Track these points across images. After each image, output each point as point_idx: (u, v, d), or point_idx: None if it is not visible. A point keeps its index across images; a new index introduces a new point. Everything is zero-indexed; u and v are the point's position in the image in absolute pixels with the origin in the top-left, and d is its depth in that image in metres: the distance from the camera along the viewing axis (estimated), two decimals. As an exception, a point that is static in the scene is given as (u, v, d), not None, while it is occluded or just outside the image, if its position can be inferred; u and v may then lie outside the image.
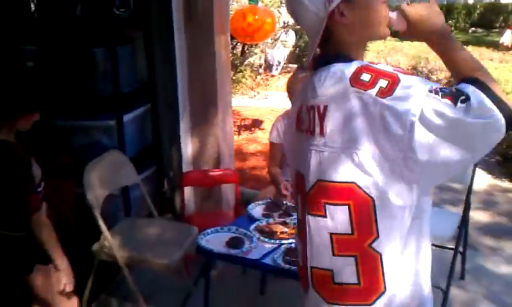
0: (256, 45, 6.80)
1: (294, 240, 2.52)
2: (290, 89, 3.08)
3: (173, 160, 4.09)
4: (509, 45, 11.61)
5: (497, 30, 19.43)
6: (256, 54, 7.07)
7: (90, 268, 2.91)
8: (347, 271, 1.28)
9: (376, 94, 1.15)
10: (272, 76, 6.87)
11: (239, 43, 6.55)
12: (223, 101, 4.06)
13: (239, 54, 6.58)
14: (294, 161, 1.43)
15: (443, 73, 9.71)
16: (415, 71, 9.89)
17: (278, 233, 2.62)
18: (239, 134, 6.76)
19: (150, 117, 4.06)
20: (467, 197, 3.22)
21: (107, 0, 3.64)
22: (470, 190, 3.21)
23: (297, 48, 12.17)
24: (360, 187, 1.21)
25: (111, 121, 3.63)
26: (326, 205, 1.27)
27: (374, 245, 1.24)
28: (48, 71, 3.56)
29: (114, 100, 3.63)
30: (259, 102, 7.58)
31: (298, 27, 9.85)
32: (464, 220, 3.19)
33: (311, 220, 1.33)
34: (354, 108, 1.18)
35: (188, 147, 4.05)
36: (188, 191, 3.88)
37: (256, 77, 7.21)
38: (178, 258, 2.83)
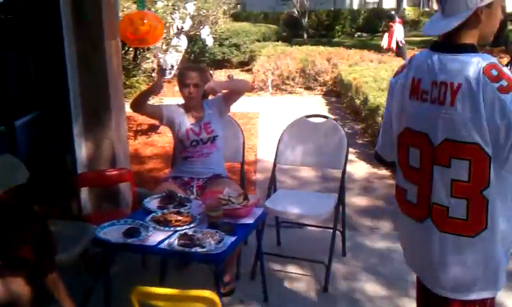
0: (148, 49, 6.93)
1: (186, 227, 2.75)
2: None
3: (67, 165, 4.13)
4: (386, 47, 12.64)
5: (380, 34, 20.89)
6: (148, 58, 7.23)
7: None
8: (459, 209, 1.73)
9: (497, 88, 1.61)
10: (166, 81, 7.04)
11: (131, 48, 6.66)
12: (116, 104, 4.17)
13: (131, 59, 6.69)
14: (407, 122, 1.85)
15: (328, 75, 10.41)
16: (303, 73, 10.50)
17: (173, 221, 2.84)
18: (135, 139, 6.84)
19: (41, 122, 4.07)
20: (342, 180, 3.58)
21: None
22: (343, 174, 3.58)
23: (192, 54, 12.42)
24: (481, 148, 1.65)
25: (1, 127, 3.62)
26: (452, 159, 1.71)
27: (484, 192, 1.69)
28: None
29: (5, 105, 3.63)
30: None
31: (191, 32, 10.15)
32: (340, 200, 3.53)
33: (436, 169, 1.75)
34: (480, 91, 1.62)
35: (82, 150, 4.12)
36: (84, 193, 3.95)
37: (150, 82, 7.36)
38: (75, 254, 2.93)
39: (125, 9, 6.65)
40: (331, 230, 3.49)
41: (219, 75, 12.72)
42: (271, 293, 3.29)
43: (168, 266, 3.43)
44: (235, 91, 3.65)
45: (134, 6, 5.93)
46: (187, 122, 3.53)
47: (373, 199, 5.01)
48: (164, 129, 7.56)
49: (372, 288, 3.40)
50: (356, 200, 4.92)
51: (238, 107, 4.07)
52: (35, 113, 3.97)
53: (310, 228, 4.13)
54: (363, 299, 3.29)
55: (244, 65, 13.75)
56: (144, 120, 7.42)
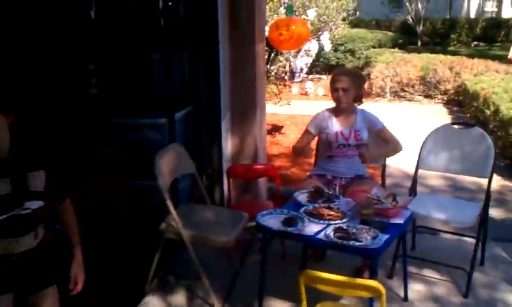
0: (281, 53, 7.21)
1: (339, 221, 2.91)
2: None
3: (213, 157, 4.46)
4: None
5: (499, 44, 19.89)
6: (281, 61, 7.49)
7: (147, 250, 3.27)
8: None
9: None
10: (293, 82, 7.31)
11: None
12: (260, 104, 4.45)
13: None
14: None
15: (451, 84, 10.15)
16: (423, 81, 10.32)
17: (326, 215, 3.00)
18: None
19: (192, 117, 4.43)
20: (488, 189, 3.55)
21: (158, 12, 4.05)
22: (489, 183, 3.55)
23: (321, 58, 12.61)
24: None
25: (163, 119, 4.00)
26: None
27: None
28: (109, 75, 3.95)
29: (167, 101, 4.00)
30: (280, 108, 8.00)
31: (310, 38, 10.36)
32: (485, 209, 3.52)
33: None
34: None
35: (228, 145, 4.44)
36: (226, 185, 4.25)
37: (279, 84, 7.63)
38: (234, 237, 3.20)
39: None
40: (467, 238, 3.48)
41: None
42: (411, 294, 3.36)
43: (306, 259, 3.61)
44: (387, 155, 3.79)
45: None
46: (337, 125, 3.64)
47: (507, 212, 4.89)
48: (287, 129, 7.86)
49: (514, 299, 3.36)
50: (490, 211, 4.81)
51: None
52: (190, 107, 4.33)
53: (444, 235, 4.14)
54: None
55: (359, 70, 13.70)
56: (268, 120, 7.74)
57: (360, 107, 3.78)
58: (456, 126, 3.79)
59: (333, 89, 3.64)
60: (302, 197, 3.31)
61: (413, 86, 10.27)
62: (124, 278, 3.50)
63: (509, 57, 12.38)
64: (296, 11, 9.81)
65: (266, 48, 5.44)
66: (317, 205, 3.15)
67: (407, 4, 18.73)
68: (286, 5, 5.98)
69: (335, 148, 3.64)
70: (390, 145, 3.62)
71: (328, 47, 11.10)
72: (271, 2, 8.01)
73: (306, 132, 3.70)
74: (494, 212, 4.82)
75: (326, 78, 13.14)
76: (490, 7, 23.32)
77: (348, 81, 3.59)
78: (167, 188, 3.14)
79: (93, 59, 4.19)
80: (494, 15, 23.05)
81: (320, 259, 3.76)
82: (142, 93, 4.03)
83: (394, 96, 10.42)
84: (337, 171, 3.67)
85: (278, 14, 7.86)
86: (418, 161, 3.80)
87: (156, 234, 3.27)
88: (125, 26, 4.15)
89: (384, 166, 3.93)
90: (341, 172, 3.66)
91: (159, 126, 4.05)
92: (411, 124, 8.05)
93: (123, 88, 4.03)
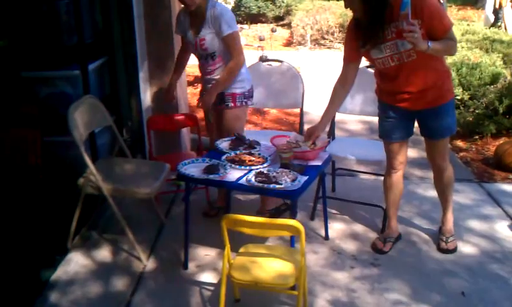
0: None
1: (260, 166, 2.95)
2: None
3: (132, 109, 4.34)
4: None
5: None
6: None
7: (67, 206, 3.19)
8: None
9: None
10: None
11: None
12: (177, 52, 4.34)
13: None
14: None
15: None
16: (342, 28, 10.49)
17: (247, 161, 3.03)
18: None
19: (108, 68, 4.27)
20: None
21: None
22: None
23: (241, 7, 12.37)
24: None
25: (76, 71, 3.82)
26: None
27: None
28: (13, 24, 3.69)
29: (79, 51, 3.82)
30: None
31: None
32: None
33: None
34: None
35: (147, 95, 4.33)
36: (147, 137, 4.17)
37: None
38: (157, 188, 3.17)
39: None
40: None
41: (255, 29, 12.76)
42: (331, 233, 3.50)
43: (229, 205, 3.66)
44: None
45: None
46: (189, 30, 3.45)
47: (421, 151, 5.13)
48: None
49: (427, 231, 3.58)
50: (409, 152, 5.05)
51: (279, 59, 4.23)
52: (104, 58, 4.16)
53: (362, 175, 4.31)
54: (419, 241, 3.48)
55: (279, 20, 13.73)
56: (190, 72, 7.61)
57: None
58: (370, 69, 3.89)
59: None
60: (224, 145, 3.32)
61: (332, 34, 10.43)
62: (45, 236, 3.39)
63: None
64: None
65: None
66: (238, 152, 3.17)
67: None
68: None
69: (198, 57, 3.51)
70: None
71: (247, -6, 11.02)
72: None
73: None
74: (411, 152, 5.07)
75: (247, 28, 13.05)
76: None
77: None
78: (83, 142, 3.04)
79: None
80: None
81: (214, 217, 3.71)
82: (51, 43, 3.80)
83: (315, 44, 10.55)
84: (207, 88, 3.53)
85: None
86: (335, 104, 3.88)
87: (75, 190, 3.18)
88: None
89: (301, 112, 3.98)
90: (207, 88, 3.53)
91: (72, 79, 3.86)
92: (330, 71, 8.18)
93: (30, 39, 3.78)
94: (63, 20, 3.86)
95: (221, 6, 3.40)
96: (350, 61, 3.10)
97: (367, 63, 3.38)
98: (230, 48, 3.39)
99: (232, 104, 3.49)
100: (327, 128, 3.93)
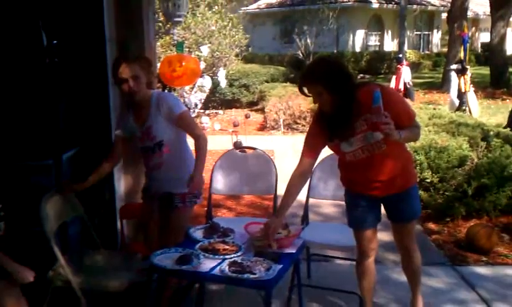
0: (174, 89, 7.23)
1: (234, 255, 2.92)
2: None
3: (105, 197, 4.31)
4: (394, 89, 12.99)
5: (382, 75, 21.36)
6: (175, 98, 7.55)
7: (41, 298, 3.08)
8: None
9: None
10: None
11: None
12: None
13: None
14: None
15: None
16: (313, 113, 10.77)
17: (221, 250, 3.00)
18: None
19: (82, 158, 4.26)
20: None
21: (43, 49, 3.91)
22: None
23: (216, 93, 12.77)
24: None
25: (50, 161, 3.82)
26: None
27: None
28: None
29: (54, 142, 3.84)
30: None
31: (204, 74, 10.51)
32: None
33: None
34: None
35: (121, 184, 4.33)
36: (120, 226, 4.13)
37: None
38: (126, 281, 3.09)
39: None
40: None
41: (230, 115, 13.02)
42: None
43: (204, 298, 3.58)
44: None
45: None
46: (133, 123, 3.36)
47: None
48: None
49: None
50: (379, 235, 5.07)
51: (252, 146, 4.31)
52: (77, 149, 4.17)
53: (338, 261, 4.30)
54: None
55: (253, 105, 14.08)
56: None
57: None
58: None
59: (120, 82, 3.19)
60: (197, 233, 3.29)
61: (304, 118, 10.69)
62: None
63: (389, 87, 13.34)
64: (189, 47, 9.96)
65: (158, 84, 5.44)
66: (212, 240, 3.15)
67: (297, 39, 19.57)
68: (176, 42, 6.03)
69: (141, 154, 3.39)
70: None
71: (223, 83, 11.32)
72: (161, 40, 8.07)
73: (116, 137, 3.45)
74: (382, 236, 5.09)
75: (222, 113, 13.33)
76: (373, 42, 25.00)
77: (136, 68, 3.20)
78: (53, 233, 2.99)
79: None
80: (377, 49, 24.73)
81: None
82: (27, 134, 3.84)
83: (288, 129, 10.78)
84: (154, 186, 3.45)
85: (171, 50, 7.90)
86: (308, 190, 3.94)
87: (45, 283, 3.09)
88: (6, 63, 3.94)
89: (275, 197, 4.01)
90: (155, 186, 3.44)
91: (46, 169, 3.85)
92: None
93: (6, 129, 3.81)
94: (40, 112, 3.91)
95: (163, 92, 3.46)
96: (310, 157, 3.12)
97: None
98: (189, 126, 3.34)
99: (182, 205, 3.41)
100: (301, 212, 3.98)
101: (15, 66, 4.02)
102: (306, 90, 2.92)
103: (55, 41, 4.09)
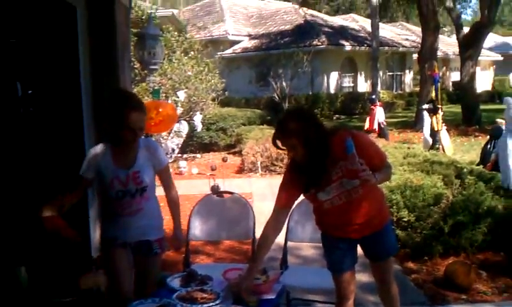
0: (151, 136, 7.24)
1: (212, 304, 2.89)
2: None
3: (81, 247, 4.25)
4: (367, 129, 13.22)
5: (357, 116, 21.70)
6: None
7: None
8: None
9: None
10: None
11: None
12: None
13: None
14: None
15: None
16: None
17: (199, 298, 2.97)
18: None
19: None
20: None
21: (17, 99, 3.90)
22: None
23: (194, 137, 12.79)
24: None
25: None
26: None
27: None
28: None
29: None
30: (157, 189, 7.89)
31: (181, 119, 10.54)
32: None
33: None
34: None
35: (97, 233, 4.27)
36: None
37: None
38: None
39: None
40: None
41: (207, 158, 13.03)
42: None
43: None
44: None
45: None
46: (111, 166, 3.20)
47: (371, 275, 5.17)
48: (163, 209, 7.74)
49: None
50: (358, 276, 5.06)
51: (231, 189, 4.30)
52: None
53: (319, 305, 4.26)
54: None
55: (231, 147, 14.13)
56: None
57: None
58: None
59: (127, 128, 3.10)
60: (175, 282, 3.25)
61: (282, 160, 10.75)
62: None
63: (365, 128, 13.55)
64: (166, 93, 10.02)
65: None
66: (189, 289, 3.11)
67: (273, 83, 19.85)
68: (152, 89, 6.09)
69: (113, 198, 3.20)
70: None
71: (200, 127, 11.36)
72: (137, 87, 8.11)
73: (80, 179, 3.22)
74: (361, 277, 5.09)
75: (200, 157, 13.33)
76: (347, 83, 25.45)
77: (144, 118, 3.21)
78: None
79: None
80: (351, 90, 25.18)
81: None
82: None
83: (265, 171, 10.82)
84: (127, 234, 3.26)
85: (148, 97, 7.93)
86: (286, 233, 3.94)
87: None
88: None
89: (253, 242, 4.00)
90: (130, 235, 3.28)
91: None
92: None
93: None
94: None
95: (150, 139, 3.46)
96: (284, 207, 3.15)
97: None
98: (168, 179, 3.42)
99: (160, 250, 3.42)
100: (279, 255, 3.97)
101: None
102: (279, 143, 2.96)
103: (30, 91, 4.11)
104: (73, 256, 4.15)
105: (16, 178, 4.00)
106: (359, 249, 3.26)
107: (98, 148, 3.28)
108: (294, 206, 3.89)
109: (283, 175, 3.21)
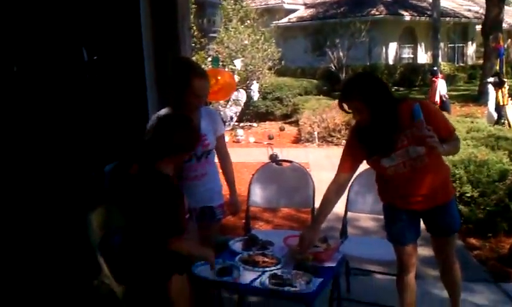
0: (210, 103, 7.31)
1: (274, 268, 2.92)
2: None
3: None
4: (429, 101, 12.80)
5: (417, 88, 21.08)
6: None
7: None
8: None
9: None
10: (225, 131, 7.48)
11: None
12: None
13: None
14: None
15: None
16: (348, 126, 10.70)
17: (260, 262, 3.01)
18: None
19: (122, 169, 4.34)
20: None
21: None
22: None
23: (250, 106, 12.85)
24: None
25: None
26: None
27: None
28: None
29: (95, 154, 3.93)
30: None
31: (238, 87, 10.56)
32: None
33: None
34: None
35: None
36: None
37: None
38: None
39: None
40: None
41: (264, 127, 13.05)
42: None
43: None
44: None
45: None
46: None
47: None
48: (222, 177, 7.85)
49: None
50: (419, 250, 4.99)
51: (288, 159, 4.29)
52: (117, 162, 4.24)
53: (378, 275, 4.24)
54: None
55: (287, 117, 14.09)
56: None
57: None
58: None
59: (193, 94, 3.17)
60: (236, 245, 3.30)
61: (339, 131, 10.64)
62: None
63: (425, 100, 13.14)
64: (223, 61, 10.05)
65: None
66: (251, 253, 3.15)
67: (329, 52, 19.54)
68: (212, 57, 6.11)
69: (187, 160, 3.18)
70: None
71: (256, 96, 11.37)
72: (197, 55, 8.18)
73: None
74: (422, 251, 5.00)
75: (256, 126, 13.38)
76: (406, 54, 24.75)
77: (208, 85, 3.29)
78: (97, 243, 3.04)
79: (17, 115, 4.06)
80: (411, 61, 24.47)
81: None
82: (71, 147, 3.94)
83: (322, 141, 10.74)
84: (191, 201, 3.17)
85: (206, 65, 7.99)
86: (346, 203, 3.90)
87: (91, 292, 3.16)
88: (48, 81, 4.06)
89: (313, 210, 3.99)
90: (193, 201, 3.24)
91: (89, 180, 3.94)
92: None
93: (51, 143, 3.92)
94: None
95: (210, 107, 3.48)
96: (347, 171, 3.10)
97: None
98: (224, 146, 3.48)
99: (221, 216, 3.48)
100: (338, 225, 3.95)
101: (58, 82, 4.13)
102: (346, 106, 2.91)
103: (95, 57, 4.20)
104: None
105: (82, 143, 4.13)
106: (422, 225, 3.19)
107: (162, 113, 3.34)
108: (354, 177, 3.87)
109: (346, 140, 3.18)
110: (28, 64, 4.21)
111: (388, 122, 2.84)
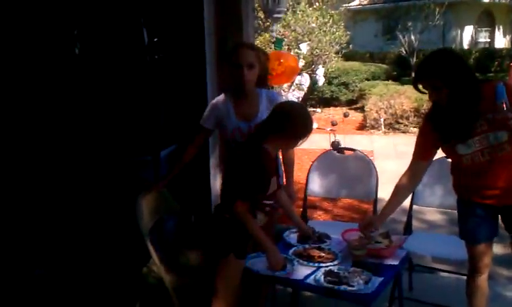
0: (272, 87, 7.17)
1: (330, 264, 2.75)
2: None
3: (201, 195, 4.30)
4: None
5: (492, 74, 19.98)
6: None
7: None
8: None
9: None
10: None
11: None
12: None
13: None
14: None
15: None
16: (417, 113, 10.26)
17: (316, 257, 2.84)
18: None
19: (179, 156, 4.29)
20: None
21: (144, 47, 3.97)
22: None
23: (314, 91, 12.62)
24: None
25: (148, 157, 3.87)
26: None
27: None
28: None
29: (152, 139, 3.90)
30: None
31: (303, 71, 10.33)
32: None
33: None
34: None
35: (217, 181, 4.29)
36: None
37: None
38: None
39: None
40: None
41: (328, 113, 12.78)
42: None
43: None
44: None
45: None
46: (234, 117, 3.12)
47: (508, 247, 4.71)
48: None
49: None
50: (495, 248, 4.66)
51: (351, 146, 4.07)
52: (175, 146, 4.19)
53: (443, 274, 3.97)
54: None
55: (352, 103, 13.72)
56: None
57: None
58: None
59: (235, 66, 3.03)
60: (292, 237, 3.16)
61: (407, 118, 10.22)
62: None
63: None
64: (289, 45, 9.86)
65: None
66: (307, 246, 2.99)
67: (400, 36, 18.84)
68: (275, 39, 5.94)
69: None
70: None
71: (321, 81, 11.10)
72: (260, 37, 8.04)
73: (200, 128, 3.24)
74: (496, 249, 4.66)
75: (320, 112, 13.11)
76: (483, 38, 23.51)
77: (254, 55, 3.05)
78: (148, 230, 2.98)
79: (77, 96, 4.09)
80: (487, 46, 23.23)
81: None
82: (128, 130, 3.92)
83: (389, 128, 10.36)
84: None
85: (270, 48, 7.84)
86: (412, 196, 3.65)
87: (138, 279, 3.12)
88: (109, 63, 4.05)
89: (375, 203, 3.77)
90: None
91: (145, 164, 3.91)
92: (406, 156, 7.94)
93: (109, 125, 3.92)
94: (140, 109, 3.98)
95: (273, 92, 3.34)
96: (422, 159, 2.90)
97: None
98: None
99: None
100: (402, 218, 3.72)
101: (118, 64, 4.12)
102: (421, 86, 2.68)
103: (156, 39, 4.15)
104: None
105: (140, 127, 4.10)
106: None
107: (220, 99, 3.25)
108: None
109: (419, 128, 2.97)
110: (89, 47, 4.23)
111: (468, 103, 2.60)
